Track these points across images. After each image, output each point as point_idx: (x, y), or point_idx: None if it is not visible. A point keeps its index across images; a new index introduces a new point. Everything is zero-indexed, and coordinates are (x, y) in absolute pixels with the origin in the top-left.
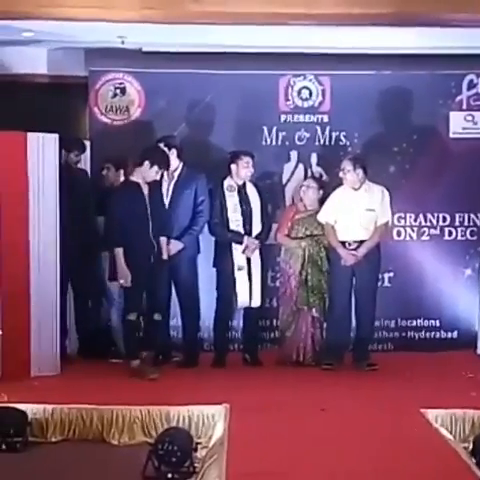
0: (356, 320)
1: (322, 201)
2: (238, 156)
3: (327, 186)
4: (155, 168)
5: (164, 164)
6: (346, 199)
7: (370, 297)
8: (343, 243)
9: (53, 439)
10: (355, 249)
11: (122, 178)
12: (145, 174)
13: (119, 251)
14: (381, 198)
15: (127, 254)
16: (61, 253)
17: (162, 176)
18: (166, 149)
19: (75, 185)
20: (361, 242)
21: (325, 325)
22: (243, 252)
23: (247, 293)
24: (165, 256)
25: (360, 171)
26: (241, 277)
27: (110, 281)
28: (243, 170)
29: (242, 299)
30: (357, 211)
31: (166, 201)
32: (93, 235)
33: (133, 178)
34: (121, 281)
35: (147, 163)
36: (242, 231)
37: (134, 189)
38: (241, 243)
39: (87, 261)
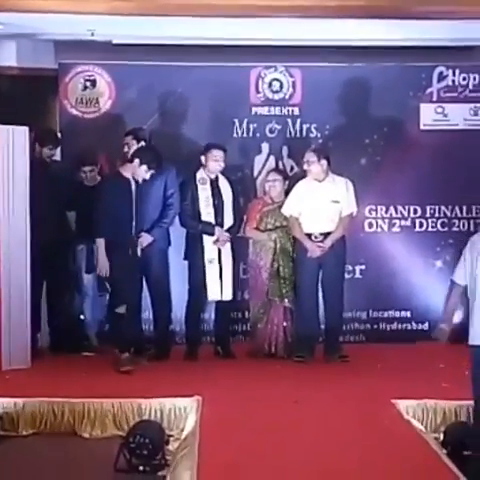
0: (325, 312)
1: (288, 192)
2: (208, 149)
3: (292, 177)
4: (144, 167)
5: (154, 164)
6: (310, 191)
7: (337, 288)
8: (309, 235)
9: (24, 433)
10: (321, 241)
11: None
12: (134, 171)
13: (101, 242)
14: (345, 189)
15: (114, 247)
16: (32, 247)
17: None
18: (134, 141)
19: (49, 179)
20: (327, 234)
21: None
22: (214, 244)
23: (218, 286)
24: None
25: (324, 162)
26: (211, 270)
27: (87, 274)
28: (212, 163)
29: (212, 292)
30: (322, 203)
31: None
32: (67, 229)
33: (124, 173)
34: (101, 272)
35: (137, 161)
36: (214, 223)
37: (123, 183)
38: (212, 234)
39: (60, 255)
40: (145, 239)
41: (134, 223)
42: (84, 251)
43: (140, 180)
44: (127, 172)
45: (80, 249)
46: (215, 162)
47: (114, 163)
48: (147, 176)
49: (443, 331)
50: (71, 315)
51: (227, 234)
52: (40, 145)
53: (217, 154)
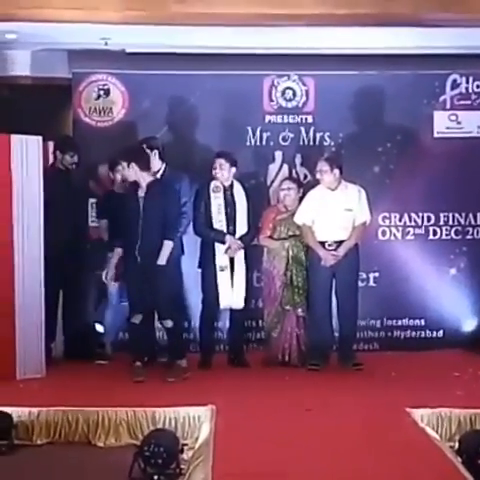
0: (338, 320)
1: (301, 200)
2: (214, 158)
3: (305, 185)
4: (134, 168)
5: (142, 163)
6: (324, 199)
7: (351, 297)
8: (322, 243)
9: (39, 442)
10: (335, 249)
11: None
12: (126, 174)
13: (118, 252)
14: (358, 197)
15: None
16: (47, 255)
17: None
18: (148, 150)
19: (70, 187)
20: (340, 242)
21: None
22: (225, 252)
23: (229, 294)
24: (163, 261)
25: (337, 171)
26: (223, 278)
27: (115, 282)
28: (219, 171)
29: (224, 300)
30: (335, 211)
31: None
32: (87, 236)
33: (131, 179)
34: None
35: (124, 164)
36: (225, 231)
37: (130, 191)
38: (224, 242)
39: (79, 262)
40: (167, 246)
41: (140, 231)
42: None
43: (143, 184)
44: (130, 179)
45: (110, 256)
46: (219, 170)
47: None
48: (137, 178)
49: None
50: (86, 323)
51: (239, 242)
52: (61, 152)
53: (216, 161)
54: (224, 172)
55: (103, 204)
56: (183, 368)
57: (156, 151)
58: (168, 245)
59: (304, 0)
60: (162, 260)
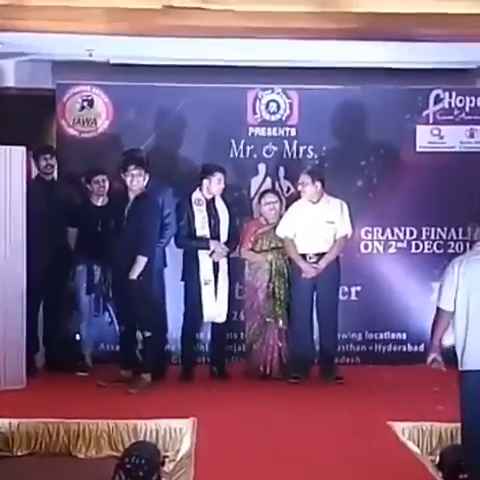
0: (319, 333)
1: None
2: (211, 172)
3: (289, 198)
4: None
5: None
6: (305, 212)
7: (332, 310)
8: (304, 256)
9: (19, 453)
10: (316, 262)
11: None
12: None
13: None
14: (340, 210)
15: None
16: (29, 266)
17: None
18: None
19: (53, 198)
20: (321, 255)
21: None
22: (210, 256)
23: (213, 308)
24: (134, 276)
25: (319, 184)
26: (207, 291)
27: (88, 294)
28: (216, 186)
29: (208, 314)
30: (317, 224)
31: None
32: (67, 248)
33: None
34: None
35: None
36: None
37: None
38: (208, 248)
39: (59, 274)
40: (140, 262)
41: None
42: (85, 271)
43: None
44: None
45: (80, 269)
46: (218, 185)
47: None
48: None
49: (439, 362)
50: (67, 335)
51: (224, 246)
52: (34, 158)
53: (221, 177)
54: (222, 185)
55: (77, 214)
56: (147, 382)
57: None
58: (141, 260)
59: (290, 14)
60: (133, 275)
